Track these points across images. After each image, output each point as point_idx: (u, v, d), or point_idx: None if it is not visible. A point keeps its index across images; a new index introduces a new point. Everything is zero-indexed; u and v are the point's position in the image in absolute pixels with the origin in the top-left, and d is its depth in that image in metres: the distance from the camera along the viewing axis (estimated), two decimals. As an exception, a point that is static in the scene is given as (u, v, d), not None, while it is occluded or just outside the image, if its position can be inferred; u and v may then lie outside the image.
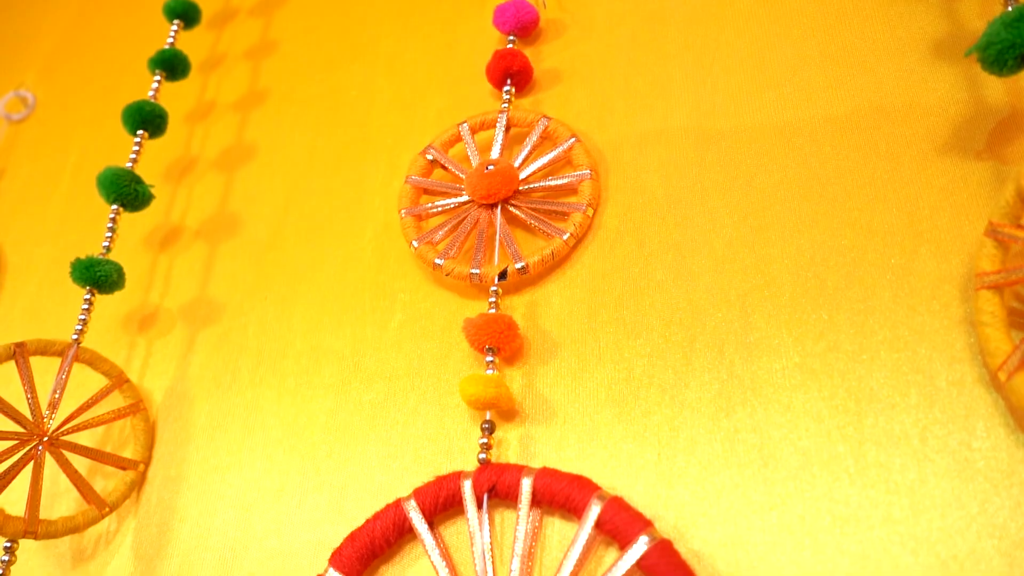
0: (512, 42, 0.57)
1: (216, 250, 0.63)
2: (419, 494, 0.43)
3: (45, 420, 0.52)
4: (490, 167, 0.50)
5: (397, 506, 0.43)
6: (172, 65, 0.66)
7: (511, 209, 0.50)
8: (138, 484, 0.54)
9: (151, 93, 0.64)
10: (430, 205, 0.53)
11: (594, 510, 0.39)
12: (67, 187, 0.76)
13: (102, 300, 0.61)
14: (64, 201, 0.75)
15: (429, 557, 0.42)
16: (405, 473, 0.47)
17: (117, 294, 0.59)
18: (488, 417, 0.44)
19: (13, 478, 0.49)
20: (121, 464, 0.54)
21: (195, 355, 0.59)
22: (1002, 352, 0.34)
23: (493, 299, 0.47)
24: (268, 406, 0.54)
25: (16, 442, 0.50)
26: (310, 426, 0.51)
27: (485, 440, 0.43)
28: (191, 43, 0.73)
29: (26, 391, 0.52)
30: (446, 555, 0.42)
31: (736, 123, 0.48)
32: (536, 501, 0.41)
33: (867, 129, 0.45)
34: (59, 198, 0.76)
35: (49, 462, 0.52)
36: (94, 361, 0.55)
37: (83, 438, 0.56)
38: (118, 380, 0.56)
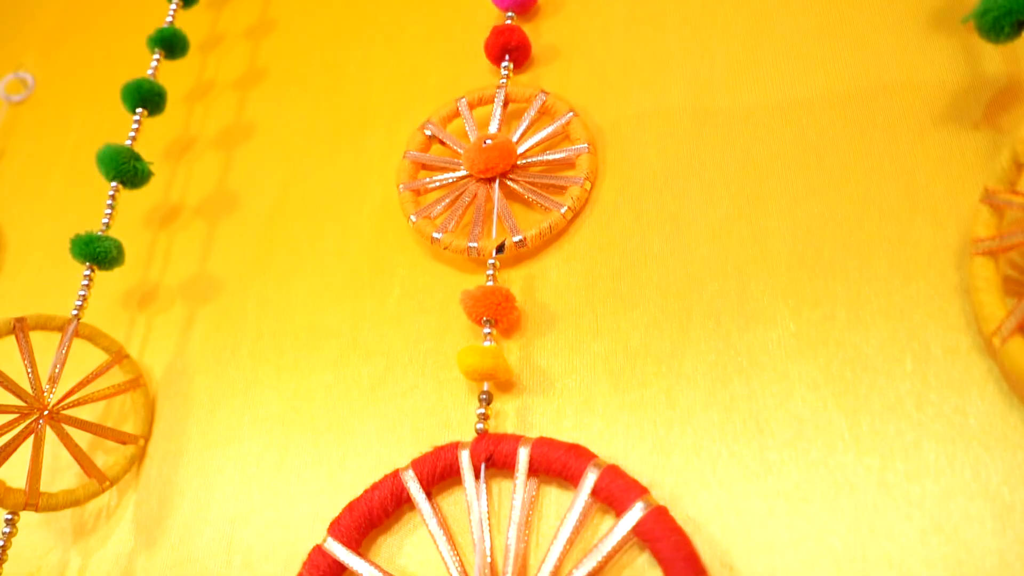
0: (510, 18, 0.57)
1: (216, 227, 0.63)
2: (417, 464, 0.43)
3: (45, 394, 0.52)
4: (488, 141, 0.51)
5: (395, 476, 0.44)
6: (171, 43, 0.66)
7: (509, 183, 0.51)
8: (138, 458, 0.55)
9: (150, 71, 0.64)
10: (428, 180, 0.53)
11: (590, 478, 0.39)
12: (67, 167, 0.76)
13: (102, 278, 0.61)
14: (64, 181, 0.75)
15: (427, 526, 0.42)
16: (403, 445, 0.47)
17: (117, 271, 0.59)
18: (486, 388, 0.44)
19: (13, 451, 0.49)
20: (121, 438, 0.54)
21: (195, 331, 0.59)
22: (996, 318, 0.34)
23: (491, 272, 0.47)
24: (267, 381, 0.54)
25: (16, 415, 0.50)
26: (309, 400, 0.52)
27: (483, 411, 0.44)
28: (190, 22, 0.73)
29: (26, 365, 0.52)
30: (443, 524, 0.42)
31: (734, 96, 0.48)
32: (533, 470, 0.41)
33: (864, 101, 0.45)
34: (59, 178, 0.76)
35: (50, 436, 0.52)
36: (94, 336, 0.56)
37: (83, 413, 0.57)
38: (118, 355, 0.56)
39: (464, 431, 0.46)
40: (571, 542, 0.39)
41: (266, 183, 0.63)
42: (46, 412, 0.52)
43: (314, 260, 0.57)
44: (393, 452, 0.47)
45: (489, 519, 0.41)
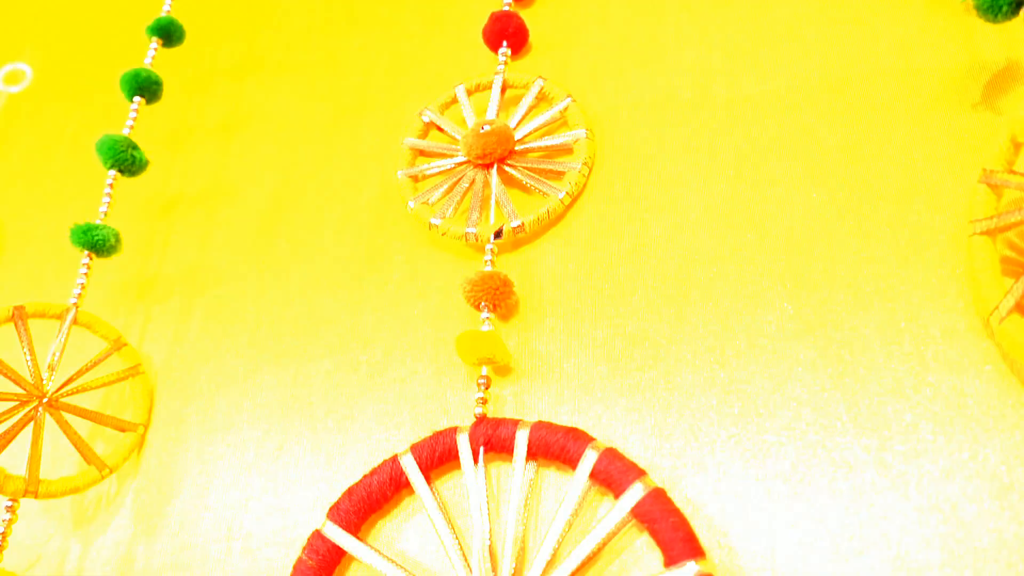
0: (508, 5, 0.57)
1: (214, 217, 0.63)
2: (416, 449, 0.43)
3: (44, 382, 0.52)
4: (486, 127, 0.50)
5: (394, 461, 0.44)
6: (168, 32, 0.66)
7: (507, 169, 0.51)
8: (138, 446, 0.55)
9: (147, 60, 0.64)
10: (426, 166, 0.53)
11: (588, 460, 0.39)
12: (65, 157, 0.76)
13: (101, 268, 0.61)
14: (62, 171, 0.75)
15: (426, 510, 0.42)
16: (402, 431, 0.47)
17: (116, 261, 0.59)
18: (484, 372, 0.44)
19: (13, 438, 0.49)
20: (121, 426, 0.54)
21: (194, 320, 0.59)
22: (994, 298, 0.34)
23: (489, 257, 0.47)
24: (267, 368, 0.54)
25: (16, 403, 0.50)
26: (308, 387, 0.52)
27: (481, 395, 0.44)
28: (187, 10, 0.72)
29: (25, 353, 0.52)
30: (442, 508, 0.42)
31: (732, 81, 0.48)
32: (531, 453, 0.41)
33: (862, 84, 0.45)
34: (57, 168, 0.76)
35: (49, 424, 0.52)
36: (92, 324, 0.55)
37: (83, 401, 0.57)
38: (117, 343, 0.56)
39: (463, 415, 0.46)
40: (569, 524, 0.39)
41: (264, 172, 0.63)
42: (45, 399, 0.52)
43: (312, 248, 0.57)
44: (392, 438, 0.47)
45: (488, 503, 0.41)
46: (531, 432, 0.41)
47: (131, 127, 0.61)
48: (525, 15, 0.58)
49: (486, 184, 0.51)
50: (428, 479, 0.43)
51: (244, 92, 0.69)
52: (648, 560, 0.37)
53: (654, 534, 0.36)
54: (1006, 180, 0.34)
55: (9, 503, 0.49)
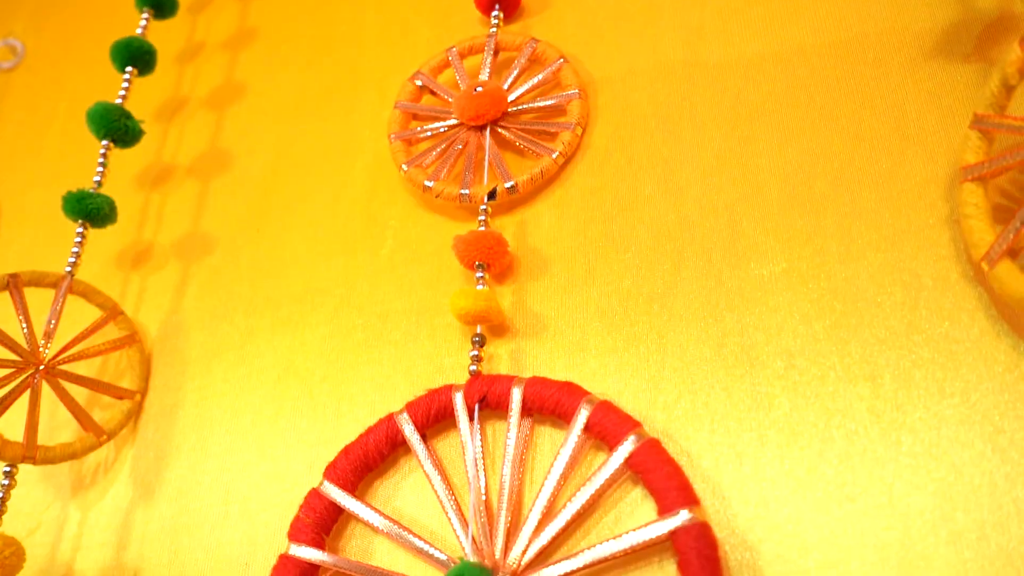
0: (500, -32, 0.56)
1: (208, 186, 0.63)
2: (411, 407, 0.43)
3: (41, 349, 0.52)
4: (479, 89, 0.50)
5: (390, 420, 0.44)
6: (159, 3, 0.65)
7: (500, 131, 0.50)
8: (135, 413, 0.55)
9: (139, 31, 0.64)
10: (419, 129, 0.53)
11: (583, 414, 0.39)
12: (59, 133, 0.76)
13: (96, 238, 0.61)
14: (56, 147, 0.75)
15: (422, 467, 0.42)
16: (399, 392, 0.47)
17: (110, 232, 0.59)
18: (479, 331, 0.44)
19: (10, 404, 0.49)
20: (118, 394, 0.54)
21: (189, 288, 0.59)
22: (985, 243, 0.34)
23: (483, 218, 0.47)
24: (262, 334, 0.54)
25: (13, 370, 0.51)
26: (304, 353, 0.52)
27: (476, 353, 0.44)
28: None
29: (20, 321, 0.52)
30: (438, 465, 0.42)
31: (724, 39, 0.48)
32: (527, 409, 0.41)
33: (855, 38, 0.44)
34: (51, 144, 0.76)
35: (47, 393, 0.52)
36: (88, 293, 0.55)
37: (80, 369, 0.57)
38: (112, 312, 0.56)
39: (458, 376, 0.46)
40: (565, 477, 0.39)
41: (258, 142, 0.63)
42: (42, 367, 0.52)
43: (307, 215, 0.57)
44: (388, 400, 0.47)
45: (484, 459, 0.41)
46: (526, 388, 0.41)
47: (124, 97, 0.60)
48: (517, -22, 0.57)
49: (479, 146, 0.51)
50: (424, 437, 0.43)
51: (237, 63, 0.69)
52: (643, 511, 0.38)
53: (648, 484, 0.36)
54: (998, 124, 0.34)
55: (8, 468, 0.49)
